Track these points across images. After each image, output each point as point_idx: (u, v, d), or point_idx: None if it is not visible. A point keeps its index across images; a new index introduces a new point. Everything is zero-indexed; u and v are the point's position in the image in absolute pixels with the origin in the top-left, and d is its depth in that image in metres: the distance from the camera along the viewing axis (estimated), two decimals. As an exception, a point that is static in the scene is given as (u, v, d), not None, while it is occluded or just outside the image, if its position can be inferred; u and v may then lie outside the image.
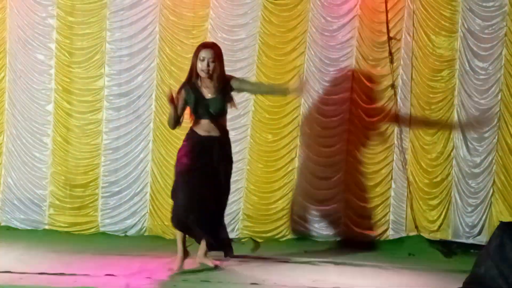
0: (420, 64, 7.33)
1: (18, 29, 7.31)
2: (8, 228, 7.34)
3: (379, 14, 7.30)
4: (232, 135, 6.21)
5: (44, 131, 7.37)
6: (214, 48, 5.81)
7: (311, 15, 7.27)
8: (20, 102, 7.35)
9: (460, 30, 7.28)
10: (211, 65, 5.74)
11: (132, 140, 7.36)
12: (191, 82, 5.85)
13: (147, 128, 7.36)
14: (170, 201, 7.25)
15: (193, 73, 5.83)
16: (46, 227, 7.33)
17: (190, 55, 6.95)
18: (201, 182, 5.79)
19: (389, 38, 7.30)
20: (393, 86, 7.33)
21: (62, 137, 7.35)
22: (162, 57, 7.30)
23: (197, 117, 5.85)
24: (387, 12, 7.27)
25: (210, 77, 5.78)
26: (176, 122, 5.83)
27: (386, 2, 7.25)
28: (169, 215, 7.24)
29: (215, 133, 5.86)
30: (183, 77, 6.84)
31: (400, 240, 7.27)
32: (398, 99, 7.35)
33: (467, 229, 7.30)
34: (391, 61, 7.31)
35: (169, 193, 7.23)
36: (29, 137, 7.37)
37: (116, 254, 6.41)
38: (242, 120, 7.25)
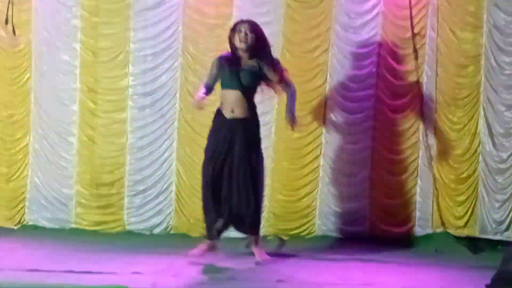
0: (445, 60, 7.27)
1: (43, 30, 7.36)
2: (35, 227, 7.40)
3: (403, 10, 7.24)
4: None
5: (70, 130, 7.42)
6: (250, 22, 6.02)
7: (334, 12, 7.23)
8: (45, 103, 7.41)
9: (485, 25, 7.21)
10: (249, 35, 5.91)
11: (156, 139, 7.38)
12: (230, 56, 6.02)
13: (172, 127, 7.37)
14: (195, 199, 7.34)
15: (232, 49, 6.00)
16: (73, 225, 7.37)
17: (214, 54, 7.04)
18: (222, 169, 5.96)
19: (414, 35, 7.24)
20: (418, 82, 7.28)
21: (88, 137, 7.39)
22: (186, 56, 7.31)
23: (225, 87, 5.98)
24: (411, 8, 7.21)
25: (248, 49, 5.91)
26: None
27: (410, -2, 7.22)
28: (194, 213, 7.32)
29: (240, 114, 5.91)
30: (207, 75, 6.89)
31: (426, 237, 7.20)
32: (423, 95, 7.30)
33: (494, 225, 7.22)
34: (416, 58, 7.27)
35: (194, 191, 7.33)
36: (55, 137, 7.42)
37: (142, 252, 6.44)
38: (266, 117, 7.19)
